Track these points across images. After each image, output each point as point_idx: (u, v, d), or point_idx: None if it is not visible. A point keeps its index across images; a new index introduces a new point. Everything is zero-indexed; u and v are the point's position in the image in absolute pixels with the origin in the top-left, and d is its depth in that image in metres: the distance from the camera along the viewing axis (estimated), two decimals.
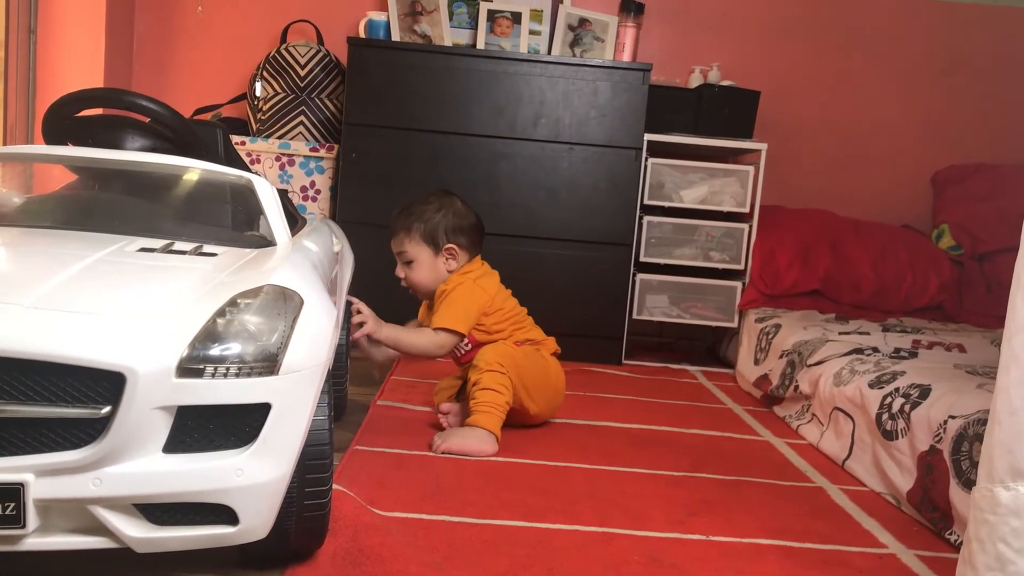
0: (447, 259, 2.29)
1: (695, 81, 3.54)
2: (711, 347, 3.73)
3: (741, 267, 3.36)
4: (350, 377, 2.43)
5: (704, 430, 2.49)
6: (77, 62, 3.37)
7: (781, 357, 2.83)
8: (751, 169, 3.34)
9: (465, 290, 2.26)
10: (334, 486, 1.49)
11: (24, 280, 1.19)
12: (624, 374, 3.19)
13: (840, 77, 3.83)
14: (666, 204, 3.33)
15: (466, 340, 2.28)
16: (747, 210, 3.35)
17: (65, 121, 1.74)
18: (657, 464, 2.12)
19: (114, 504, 1.12)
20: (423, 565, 1.45)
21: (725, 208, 3.35)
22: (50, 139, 1.78)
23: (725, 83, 3.46)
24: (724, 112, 3.36)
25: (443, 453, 2.05)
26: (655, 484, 1.99)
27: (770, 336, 3.01)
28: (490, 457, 2.06)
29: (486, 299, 2.27)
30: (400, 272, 2.33)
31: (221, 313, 1.19)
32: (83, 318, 1.12)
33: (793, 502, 1.94)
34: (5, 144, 3.20)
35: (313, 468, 1.33)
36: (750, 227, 3.35)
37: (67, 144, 1.76)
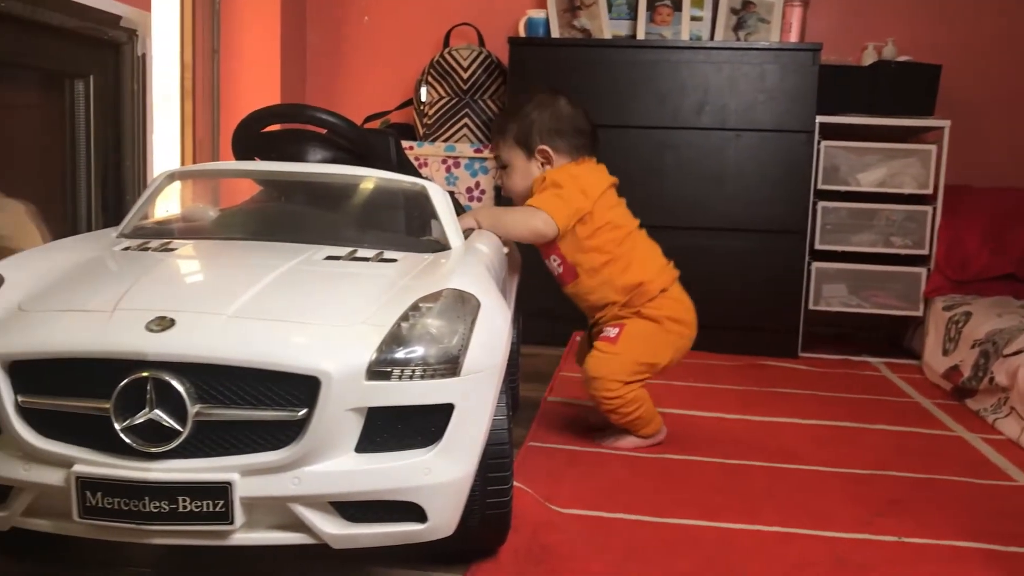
0: (541, 164, 2.07)
1: (869, 58, 3.37)
2: (894, 338, 3.55)
3: (925, 252, 3.18)
4: (521, 374, 2.46)
5: (890, 425, 2.37)
6: (256, 78, 3.56)
7: (973, 347, 2.65)
8: (933, 148, 3.15)
9: (564, 182, 2.01)
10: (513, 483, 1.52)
11: (224, 291, 1.27)
12: (801, 368, 3.08)
13: None
14: (842, 188, 3.20)
15: (557, 260, 2.08)
16: (930, 191, 3.16)
17: (252, 137, 1.84)
18: (840, 462, 2.04)
19: (312, 502, 1.18)
20: (604, 564, 1.45)
21: (906, 190, 3.18)
22: (239, 154, 1.89)
23: (902, 59, 3.28)
24: (902, 89, 3.18)
25: (616, 449, 2.07)
26: (839, 482, 1.91)
27: (959, 325, 2.83)
28: (664, 455, 2.04)
29: (584, 204, 2.00)
30: (498, 178, 2.18)
31: (405, 317, 1.23)
32: (280, 325, 1.19)
33: (993, 502, 1.83)
34: (195, 160, 3.43)
35: (494, 466, 1.36)
36: (934, 209, 3.16)
37: (254, 159, 1.87)
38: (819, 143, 3.17)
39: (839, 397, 2.67)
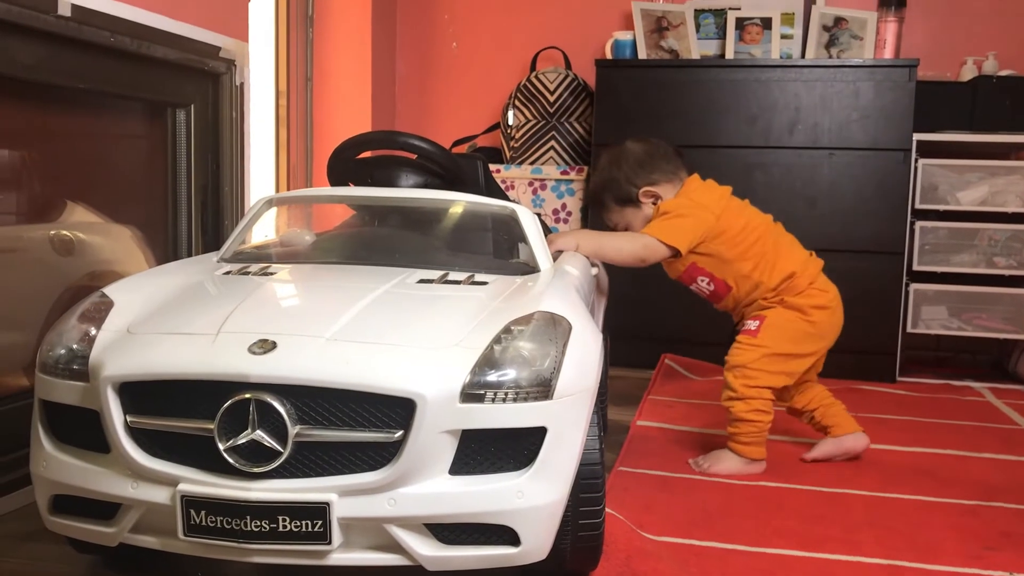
0: (652, 203, 2.08)
1: (968, 73, 3.26)
2: (998, 361, 3.41)
3: None
4: (609, 397, 2.44)
5: (997, 454, 2.27)
6: (348, 105, 3.64)
7: None
8: None
9: (681, 206, 2.02)
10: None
11: (323, 314, 1.29)
12: (900, 392, 2.98)
13: None
14: (941, 208, 3.10)
15: (706, 279, 2.09)
16: None
17: (346, 163, 1.88)
18: (944, 492, 1.96)
19: (407, 523, 1.18)
20: None
21: (1010, 209, 3.06)
22: (334, 180, 1.93)
23: (1004, 73, 3.17)
24: (1004, 104, 3.08)
25: (709, 475, 2.02)
26: (944, 513, 1.84)
27: None
28: (758, 482, 1.99)
29: (710, 219, 2.02)
30: None
31: (497, 340, 1.24)
32: (376, 348, 1.20)
33: None
34: (289, 185, 3.52)
35: (587, 489, 1.34)
36: None
37: (348, 184, 1.91)
38: (916, 161, 3.08)
39: (941, 423, 2.57)
